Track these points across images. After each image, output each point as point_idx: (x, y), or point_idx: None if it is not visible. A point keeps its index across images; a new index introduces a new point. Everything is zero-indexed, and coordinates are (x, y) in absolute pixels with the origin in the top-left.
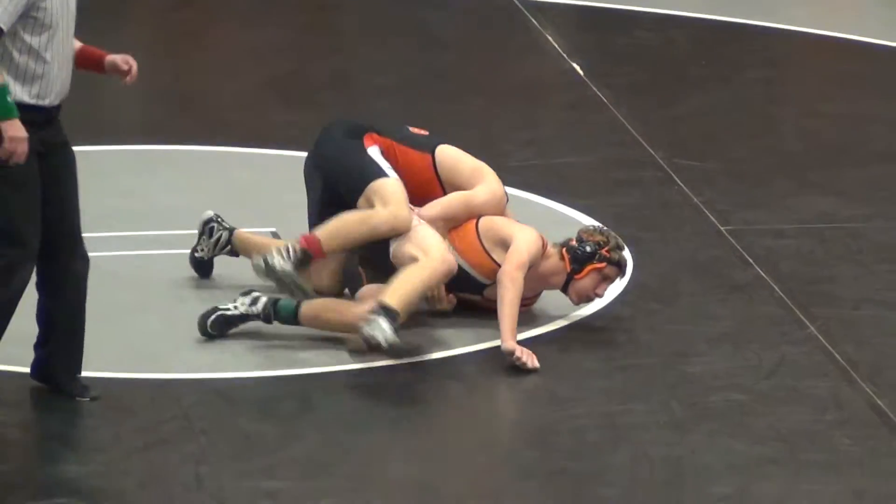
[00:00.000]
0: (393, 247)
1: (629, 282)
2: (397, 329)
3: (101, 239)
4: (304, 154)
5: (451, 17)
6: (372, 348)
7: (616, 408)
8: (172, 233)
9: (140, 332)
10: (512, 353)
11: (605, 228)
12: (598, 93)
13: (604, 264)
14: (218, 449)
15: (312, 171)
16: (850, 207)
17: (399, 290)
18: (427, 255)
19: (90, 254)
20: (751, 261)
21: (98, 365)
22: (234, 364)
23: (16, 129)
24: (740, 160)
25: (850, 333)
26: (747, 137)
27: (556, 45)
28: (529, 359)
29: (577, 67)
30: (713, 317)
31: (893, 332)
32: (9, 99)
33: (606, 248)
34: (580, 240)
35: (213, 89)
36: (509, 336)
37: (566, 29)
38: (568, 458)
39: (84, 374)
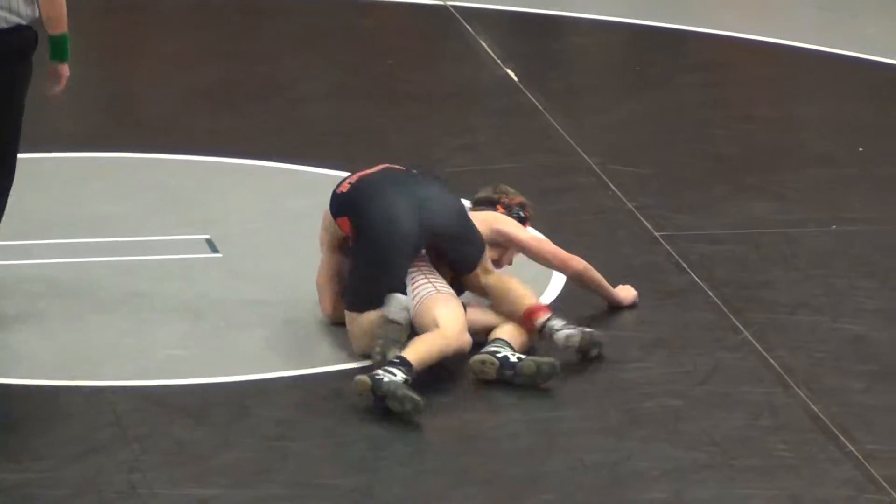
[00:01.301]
0: (414, 312)
1: (563, 288)
2: (407, 381)
3: (35, 246)
4: (233, 160)
5: (383, 23)
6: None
7: (551, 413)
8: (107, 240)
9: (74, 339)
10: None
11: (505, 186)
12: (533, 99)
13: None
14: (151, 456)
15: (420, 231)
16: (785, 212)
17: (418, 349)
18: (445, 329)
19: (25, 261)
20: (685, 266)
21: (32, 372)
22: (169, 371)
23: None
24: (674, 165)
25: (785, 339)
26: (681, 142)
27: (491, 52)
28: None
29: (512, 73)
30: (648, 322)
31: (828, 338)
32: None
33: (528, 207)
34: (507, 205)
35: (143, 97)
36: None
37: (500, 35)
38: (503, 463)
39: (18, 381)
